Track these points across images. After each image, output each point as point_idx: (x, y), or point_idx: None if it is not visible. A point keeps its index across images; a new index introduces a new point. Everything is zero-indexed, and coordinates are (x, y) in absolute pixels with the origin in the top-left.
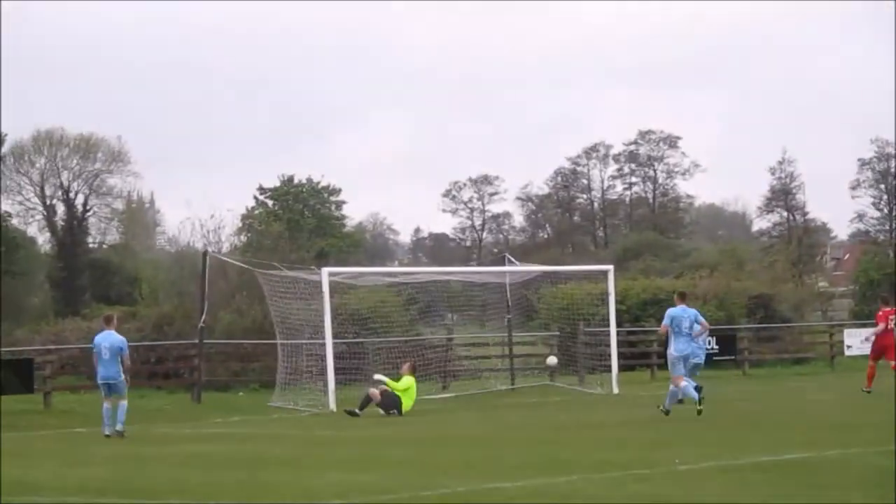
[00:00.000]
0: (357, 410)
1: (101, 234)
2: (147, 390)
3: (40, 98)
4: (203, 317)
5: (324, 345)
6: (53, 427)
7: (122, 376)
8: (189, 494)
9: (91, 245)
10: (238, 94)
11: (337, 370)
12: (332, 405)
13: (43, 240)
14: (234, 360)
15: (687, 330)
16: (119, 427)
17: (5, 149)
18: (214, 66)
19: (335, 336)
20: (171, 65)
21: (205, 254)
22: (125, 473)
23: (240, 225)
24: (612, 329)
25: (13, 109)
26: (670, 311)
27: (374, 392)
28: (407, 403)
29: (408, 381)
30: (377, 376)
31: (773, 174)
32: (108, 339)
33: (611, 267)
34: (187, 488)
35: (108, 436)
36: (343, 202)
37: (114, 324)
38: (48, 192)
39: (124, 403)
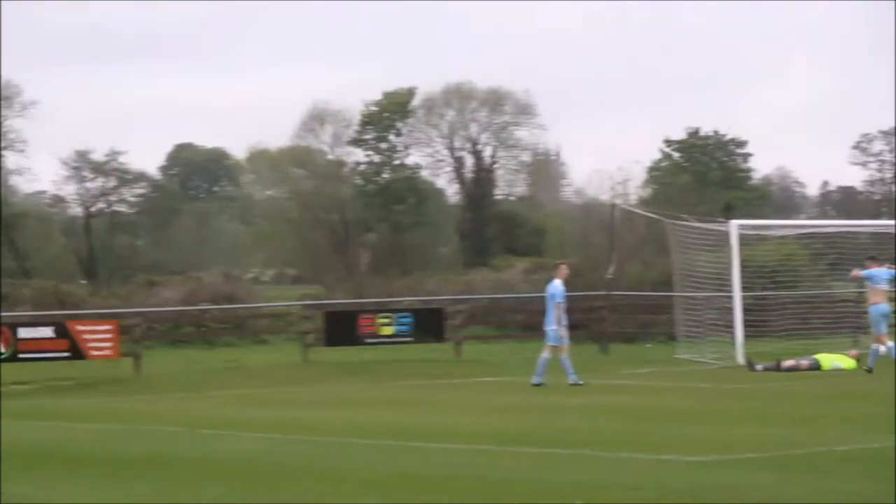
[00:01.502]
0: (758, 366)
1: (509, 185)
2: None
3: (451, 51)
4: (611, 268)
5: (731, 297)
6: (463, 376)
7: (551, 326)
8: (601, 445)
9: (498, 197)
10: (642, 47)
11: (745, 324)
12: (741, 358)
13: (451, 191)
14: (641, 312)
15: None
16: (535, 379)
17: (416, 101)
18: (622, 17)
19: (742, 289)
20: (573, 17)
21: (613, 206)
22: (536, 423)
23: (646, 177)
24: None
25: (425, 62)
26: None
27: (795, 363)
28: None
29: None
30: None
31: None
32: (548, 287)
33: None
34: (599, 439)
35: (533, 384)
36: (749, 154)
37: (559, 272)
38: (457, 144)
39: (544, 355)
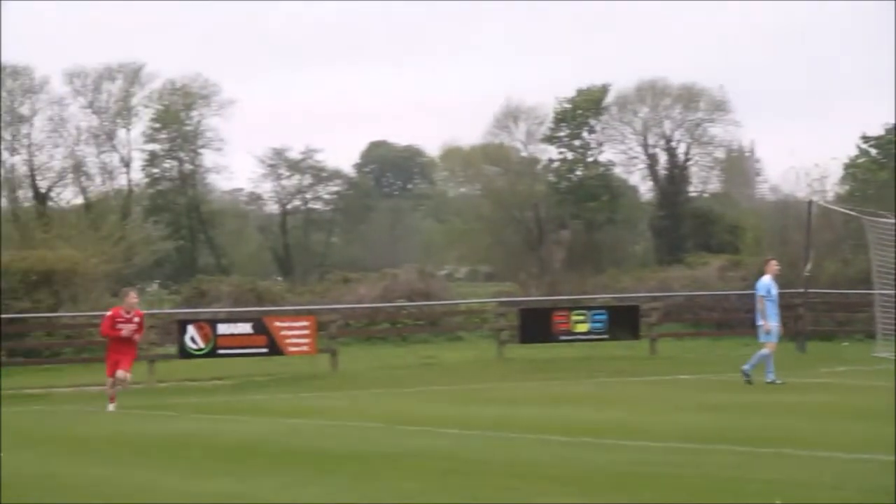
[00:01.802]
0: None
1: (703, 182)
2: (751, 338)
3: (644, 48)
4: (808, 266)
5: None
6: (658, 373)
7: (758, 322)
8: (800, 444)
9: (692, 194)
10: (837, 43)
11: None
12: None
13: (645, 188)
14: (839, 310)
15: None
16: (767, 377)
17: (610, 98)
18: (815, 12)
19: None
20: (765, 12)
21: (810, 202)
22: (733, 421)
23: (843, 174)
24: None
25: (619, 59)
26: None
27: None
28: None
29: None
30: None
31: None
32: (756, 284)
33: None
34: (797, 438)
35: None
36: None
37: (768, 268)
38: (650, 141)
39: (762, 352)
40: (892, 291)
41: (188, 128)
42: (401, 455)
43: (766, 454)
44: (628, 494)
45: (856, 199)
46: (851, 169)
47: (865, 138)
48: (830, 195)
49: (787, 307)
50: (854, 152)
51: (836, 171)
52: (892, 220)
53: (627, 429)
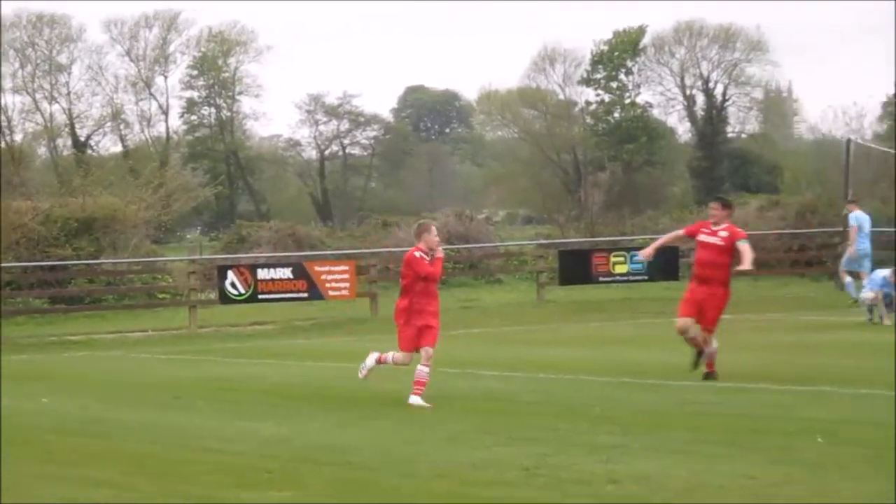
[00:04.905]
0: None
1: (741, 123)
2: (790, 278)
3: None
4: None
5: None
6: None
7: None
8: (840, 382)
9: (730, 135)
10: None
11: None
12: None
13: (683, 130)
14: (878, 248)
15: None
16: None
17: (647, 39)
18: None
19: None
20: None
21: (848, 141)
22: (774, 360)
23: (881, 112)
24: None
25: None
26: None
27: None
28: None
29: None
30: None
31: None
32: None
33: None
34: (838, 376)
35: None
36: None
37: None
38: (688, 82)
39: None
40: None
41: (226, 75)
42: (443, 398)
43: (807, 392)
44: (670, 433)
45: (894, 137)
46: (890, 107)
47: None
48: (868, 134)
49: (826, 246)
50: (892, 90)
51: (875, 110)
52: None
53: (669, 369)
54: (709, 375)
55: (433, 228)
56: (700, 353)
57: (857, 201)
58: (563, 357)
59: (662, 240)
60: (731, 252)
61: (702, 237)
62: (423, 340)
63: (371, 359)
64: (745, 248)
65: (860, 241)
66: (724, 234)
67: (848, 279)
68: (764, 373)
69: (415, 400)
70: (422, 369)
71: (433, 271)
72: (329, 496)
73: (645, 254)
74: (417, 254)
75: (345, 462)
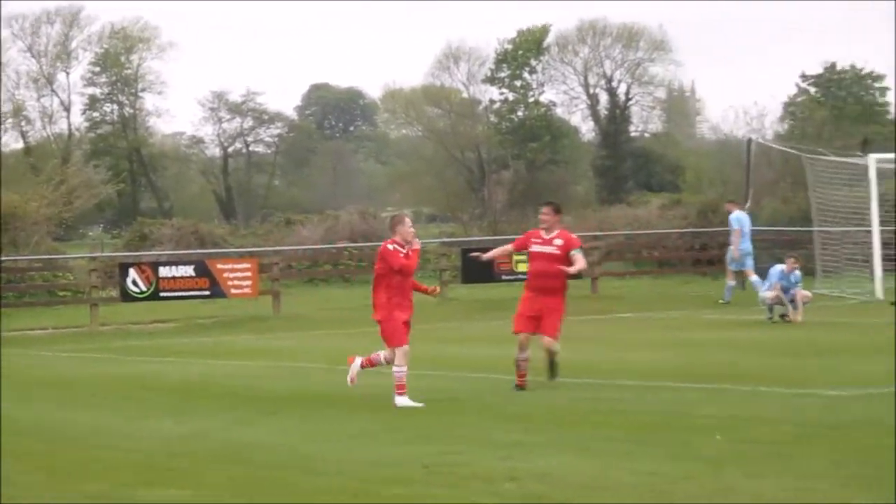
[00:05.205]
0: None
1: (644, 122)
2: (692, 276)
3: None
4: (747, 204)
5: (869, 232)
6: (600, 312)
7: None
8: (741, 379)
9: (633, 134)
10: None
11: (883, 258)
12: (880, 293)
13: (586, 129)
14: (778, 248)
15: None
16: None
17: (550, 38)
18: None
19: (881, 224)
20: None
21: (749, 141)
22: (675, 358)
23: (783, 113)
24: None
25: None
26: None
27: None
28: None
29: None
30: None
31: None
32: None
33: None
34: (739, 374)
35: None
36: (887, 88)
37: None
38: (591, 81)
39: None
40: (832, 229)
41: (128, 71)
42: (344, 395)
43: (707, 390)
44: (572, 430)
45: (795, 137)
46: (791, 107)
47: (805, 76)
48: (769, 134)
49: (727, 245)
50: (793, 91)
51: (776, 110)
52: (831, 158)
53: (571, 367)
54: (520, 387)
55: (407, 220)
56: (553, 364)
57: (737, 201)
58: (465, 355)
59: (493, 254)
60: (565, 260)
61: (534, 248)
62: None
63: (355, 365)
64: (577, 258)
65: (742, 241)
66: (558, 241)
67: (754, 277)
68: (666, 371)
69: (401, 401)
70: (398, 369)
71: (407, 264)
72: (230, 494)
73: (475, 255)
74: (391, 246)
75: (246, 459)
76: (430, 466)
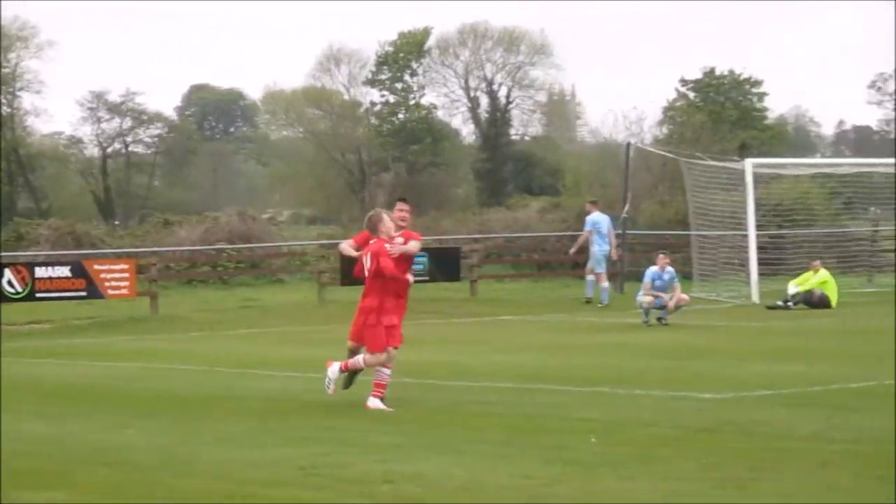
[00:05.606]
0: (782, 303)
1: (524, 126)
2: (571, 279)
3: None
4: (626, 207)
5: (746, 236)
6: (479, 315)
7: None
8: (617, 382)
9: (514, 137)
10: None
11: (759, 262)
12: (756, 297)
13: (467, 131)
14: (656, 251)
15: None
16: None
17: (431, 41)
18: None
19: (757, 228)
20: None
21: (628, 145)
22: (553, 361)
23: (661, 117)
24: None
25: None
26: None
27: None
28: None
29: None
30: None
31: None
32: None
33: None
34: (616, 377)
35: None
36: (765, 94)
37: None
38: (472, 84)
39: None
40: (709, 233)
41: (6, 70)
42: (221, 397)
43: (584, 393)
44: (448, 433)
45: (674, 142)
46: (670, 112)
47: (683, 81)
48: (648, 138)
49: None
50: (672, 95)
51: (655, 114)
52: (709, 162)
53: (448, 369)
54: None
55: (385, 217)
56: (356, 374)
57: (598, 202)
58: (342, 357)
59: (354, 254)
60: (407, 260)
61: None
62: (392, 340)
63: (333, 369)
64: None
65: (599, 243)
66: (399, 241)
67: (590, 277)
68: (543, 373)
69: (373, 403)
70: (386, 371)
71: (397, 273)
72: (103, 496)
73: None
74: (388, 246)
75: (121, 462)
76: (307, 468)
